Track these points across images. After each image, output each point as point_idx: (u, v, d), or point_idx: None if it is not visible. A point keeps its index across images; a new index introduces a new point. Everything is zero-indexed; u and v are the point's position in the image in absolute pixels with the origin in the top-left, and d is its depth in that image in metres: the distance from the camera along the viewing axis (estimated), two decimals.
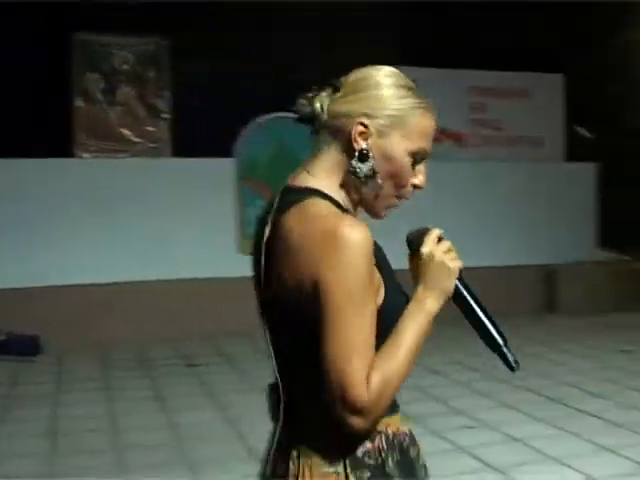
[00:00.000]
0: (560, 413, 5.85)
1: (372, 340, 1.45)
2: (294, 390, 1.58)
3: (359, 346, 1.42)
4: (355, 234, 1.44)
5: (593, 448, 5.14)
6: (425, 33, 10.33)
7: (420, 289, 1.56)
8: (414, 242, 1.62)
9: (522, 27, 11.47)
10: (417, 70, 10.63)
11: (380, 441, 1.57)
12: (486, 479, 4.63)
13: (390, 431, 1.60)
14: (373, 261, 1.48)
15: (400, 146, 1.59)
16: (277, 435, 1.62)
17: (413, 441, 1.67)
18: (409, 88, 1.63)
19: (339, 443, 1.53)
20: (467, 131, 11.11)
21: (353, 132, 1.57)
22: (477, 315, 1.61)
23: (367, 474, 1.54)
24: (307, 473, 1.55)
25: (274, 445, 1.63)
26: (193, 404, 6.38)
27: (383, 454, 1.57)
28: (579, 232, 11.20)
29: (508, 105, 11.28)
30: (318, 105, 1.61)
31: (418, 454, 1.68)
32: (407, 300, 1.58)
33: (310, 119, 1.63)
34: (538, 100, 11.39)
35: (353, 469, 1.53)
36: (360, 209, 1.66)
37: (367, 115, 1.57)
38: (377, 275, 1.54)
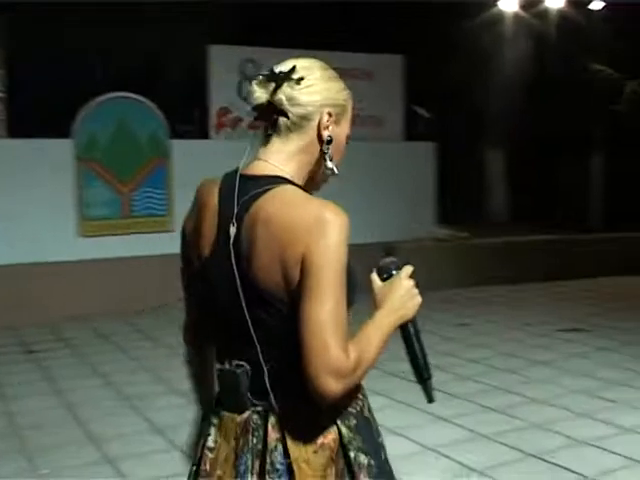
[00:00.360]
0: (398, 386, 6.06)
1: (345, 319, 1.61)
2: (281, 361, 1.68)
3: (342, 318, 1.60)
4: (340, 220, 1.64)
5: (429, 418, 5.38)
6: (263, 12, 10.40)
7: (384, 312, 1.76)
8: (383, 270, 1.87)
9: (362, 8, 11.74)
10: (256, 50, 10.76)
11: (361, 389, 1.80)
12: None
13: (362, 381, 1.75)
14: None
15: (344, 132, 1.83)
16: (249, 412, 1.72)
17: (364, 390, 1.86)
18: (341, 83, 1.84)
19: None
20: None
21: (323, 121, 1.75)
22: (415, 351, 1.84)
23: (353, 421, 1.75)
24: (299, 436, 1.68)
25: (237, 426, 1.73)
26: (32, 391, 6.23)
27: (360, 402, 1.79)
28: (419, 210, 11.55)
29: (348, 85, 11.43)
30: (282, 96, 1.71)
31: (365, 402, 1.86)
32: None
33: (266, 108, 1.73)
34: (378, 81, 11.63)
35: (342, 420, 1.73)
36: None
37: (330, 105, 1.76)
38: None
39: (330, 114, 1.77)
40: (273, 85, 1.72)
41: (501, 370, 6.69)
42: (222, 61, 10.56)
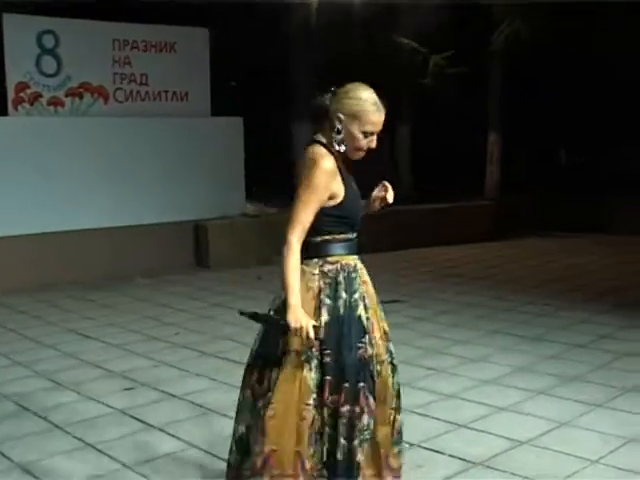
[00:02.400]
0: (218, 366, 6.05)
1: (308, 220, 3.05)
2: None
3: (302, 219, 3.05)
4: (322, 162, 3.07)
5: None
6: None
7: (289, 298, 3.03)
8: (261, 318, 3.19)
9: None
10: (54, 21, 10.24)
11: (336, 265, 3.15)
12: (145, 439, 4.64)
13: (343, 262, 3.17)
14: (333, 179, 3.08)
15: (356, 129, 3.12)
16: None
17: (354, 268, 3.21)
18: (365, 99, 3.13)
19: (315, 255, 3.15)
20: (111, 85, 10.86)
21: (335, 120, 3.14)
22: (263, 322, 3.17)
23: (327, 280, 3.13)
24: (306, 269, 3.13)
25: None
26: None
27: (336, 272, 3.15)
28: (227, 186, 11.45)
29: (154, 59, 11.15)
30: (328, 102, 3.17)
31: (357, 275, 3.20)
32: (359, 196, 3.27)
33: (322, 108, 3.17)
34: (184, 54, 11.40)
35: (322, 278, 3.14)
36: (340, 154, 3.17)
37: (341, 112, 3.13)
38: (339, 186, 3.11)
39: (339, 117, 3.12)
40: (329, 95, 3.19)
41: None
42: (18, 31, 9.97)
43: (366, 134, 3.13)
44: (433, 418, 4.92)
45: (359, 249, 3.28)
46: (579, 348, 6.52)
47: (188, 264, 10.76)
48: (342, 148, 3.14)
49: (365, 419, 3.09)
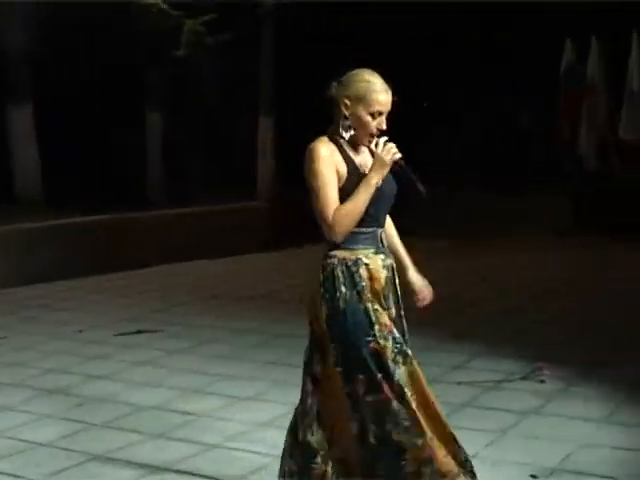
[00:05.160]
0: None
1: (334, 197, 3.67)
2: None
3: (327, 199, 3.66)
4: (315, 145, 3.72)
5: None
6: None
7: (370, 172, 3.70)
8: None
9: None
10: None
11: (333, 260, 3.76)
12: None
13: (342, 256, 3.76)
14: (331, 155, 3.71)
15: (363, 112, 3.72)
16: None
17: (355, 262, 3.75)
18: (369, 81, 3.72)
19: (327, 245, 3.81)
20: None
21: (342, 105, 3.76)
22: (407, 173, 3.73)
23: (325, 274, 3.77)
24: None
25: None
26: None
27: (332, 266, 3.75)
28: None
29: None
30: (334, 90, 3.79)
31: (359, 269, 3.75)
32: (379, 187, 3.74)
33: (331, 96, 3.80)
34: None
35: (321, 266, 3.79)
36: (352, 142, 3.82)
37: (347, 97, 3.73)
38: (342, 166, 3.72)
39: (346, 102, 3.73)
40: (335, 84, 3.81)
41: (51, 393, 6.54)
42: None
43: (374, 115, 3.73)
44: (196, 476, 4.88)
45: (375, 244, 3.84)
46: None
47: None
48: (349, 134, 3.77)
49: (394, 404, 3.67)
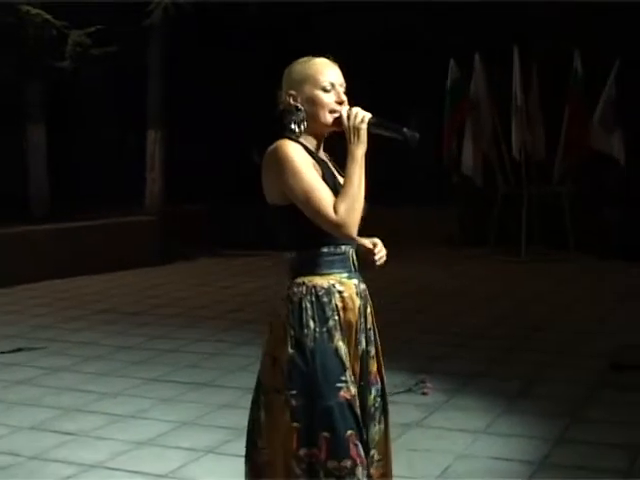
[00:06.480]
0: None
1: (327, 193, 3.15)
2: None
3: (322, 200, 3.13)
4: (280, 145, 3.20)
5: None
6: None
7: (350, 147, 3.23)
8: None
9: None
10: None
11: (302, 288, 3.21)
12: None
13: (312, 283, 3.21)
14: (301, 151, 3.20)
15: (312, 91, 3.27)
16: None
17: (327, 291, 3.22)
18: (308, 61, 3.32)
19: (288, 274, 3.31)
20: None
21: (289, 99, 3.31)
22: (386, 123, 3.30)
23: (291, 306, 3.19)
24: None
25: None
26: None
27: (300, 296, 3.19)
28: None
29: None
30: (279, 95, 3.37)
31: (331, 300, 3.21)
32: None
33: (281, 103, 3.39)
34: None
35: (287, 296, 3.23)
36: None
37: (290, 87, 3.30)
38: (317, 168, 3.22)
39: (291, 94, 3.29)
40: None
41: None
42: None
43: (325, 89, 3.27)
44: None
45: (348, 267, 3.31)
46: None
47: None
48: (303, 126, 3.27)
49: (359, 471, 3.08)
